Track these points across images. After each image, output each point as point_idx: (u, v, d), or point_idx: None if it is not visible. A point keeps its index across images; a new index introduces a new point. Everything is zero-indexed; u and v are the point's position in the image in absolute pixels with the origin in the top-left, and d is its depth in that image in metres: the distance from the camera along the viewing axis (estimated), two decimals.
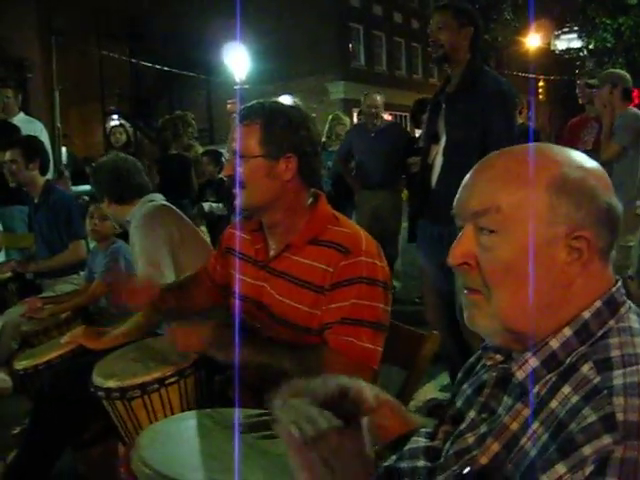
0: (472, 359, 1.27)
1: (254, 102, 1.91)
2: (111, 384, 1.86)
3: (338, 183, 7.00)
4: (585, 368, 0.92)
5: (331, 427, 0.97)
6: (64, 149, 17.48)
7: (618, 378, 0.87)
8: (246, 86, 20.75)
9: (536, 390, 0.97)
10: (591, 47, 15.97)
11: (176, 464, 1.23)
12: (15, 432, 3.25)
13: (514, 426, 0.97)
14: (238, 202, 1.88)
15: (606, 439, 0.80)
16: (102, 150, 13.33)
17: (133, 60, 26.27)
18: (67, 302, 3.57)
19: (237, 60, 20.25)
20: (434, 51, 3.31)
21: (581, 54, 25.75)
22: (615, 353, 0.92)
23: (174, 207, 2.96)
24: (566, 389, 0.92)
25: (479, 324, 1.02)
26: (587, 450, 0.80)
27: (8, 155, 4.10)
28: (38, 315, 3.50)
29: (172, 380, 1.87)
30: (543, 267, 0.97)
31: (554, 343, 0.98)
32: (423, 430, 1.22)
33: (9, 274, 4.29)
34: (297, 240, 1.87)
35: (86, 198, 4.47)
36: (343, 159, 6.59)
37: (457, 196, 1.06)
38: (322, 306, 1.80)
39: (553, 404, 0.92)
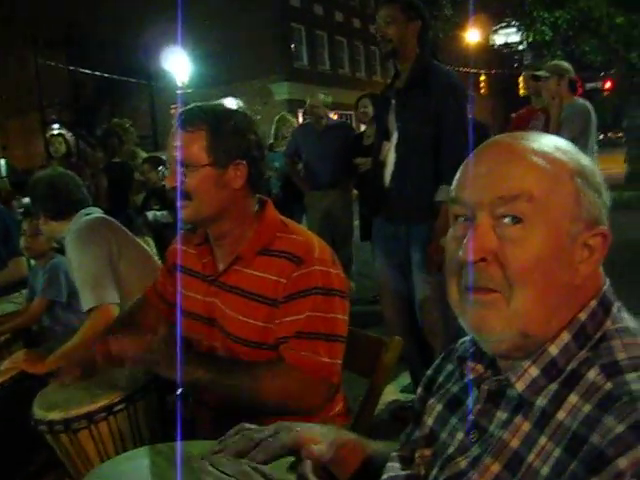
0: (430, 372, 1.19)
1: (193, 105, 1.79)
2: (54, 416, 1.71)
3: (286, 185, 6.93)
4: (591, 374, 0.86)
5: None
6: (3, 161, 16.92)
7: (635, 383, 0.81)
8: (189, 90, 20.50)
9: (538, 402, 0.89)
10: (530, 40, 16.21)
11: None
12: None
13: (514, 443, 0.89)
14: (182, 215, 1.75)
15: None
16: (43, 161, 12.94)
17: (71, 68, 25.65)
18: (7, 323, 3.37)
19: (178, 64, 19.99)
20: (383, 46, 3.25)
21: (520, 47, 26.26)
22: (621, 356, 0.86)
23: (110, 219, 2.81)
24: (573, 398, 0.85)
25: (492, 327, 0.92)
26: (622, 463, 0.74)
27: None
28: None
29: (120, 407, 1.73)
30: (564, 265, 0.90)
31: (553, 349, 0.90)
32: (395, 454, 1.12)
33: None
34: (246, 251, 1.76)
35: (20, 211, 4.27)
36: (290, 160, 6.50)
37: (465, 183, 0.96)
38: (276, 319, 1.70)
39: (560, 415, 0.85)
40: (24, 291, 3.81)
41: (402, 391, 3.96)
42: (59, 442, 1.72)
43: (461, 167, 0.98)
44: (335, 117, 21.91)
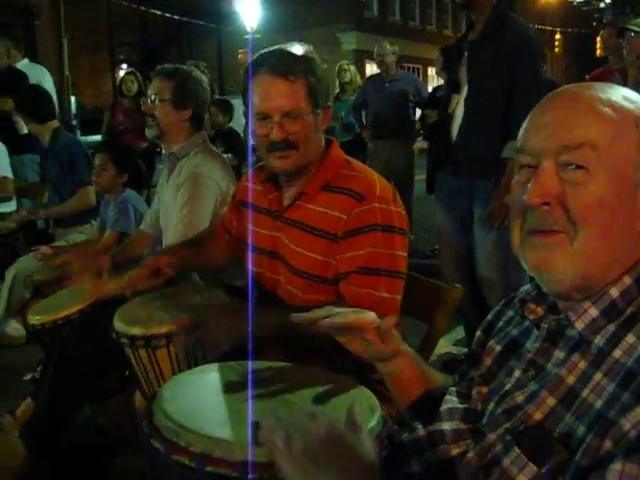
0: (490, 317, 1.23)
1: (278, 50, 1.80)
2: (135, 331, 1.81)
3: (350, 134, 6.99)
4: None
5: (318, 427, 0.96)
6: (73, 98, 17.28)
7: None
8: (257, 35, 20.41)
9: (596, 341, 0.92)
10: None
11: (200, 418, 1.19)
12: (26, 379, 3.26)
13: (570, 379, 0.93)
14: (285, 164, 1.79)
15: None
16: (111, 99, 13.17)
17: (142, 8, 25.79)
18: (80, 252, 3.52)
19: (248, 8, 19.86)
20: None
21: (601, 5, 25.15)
22: None
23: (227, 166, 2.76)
24: (630, 338, 0.89)
25: (554, 267, 0.95)
26: None
27: (11, 103, 4.07)
28: (50, 262, 3.46)
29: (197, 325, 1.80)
30: (627, 209, 0.93)
31: (614, 292, 0.94)
32: (453, 389, 1.18)
33: (14, 225, 4.26)
34: (310, 187, 1.82)
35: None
36: (357, 109, 6.59)
37: (531, 132, 0.99)
38: (337, 255, 1.75)
39: (617, 353, 0.89)
40: (94, 222, 3.96)
41: (455, 344, 4.00)
42: (137, 356, 1.81)
43: (528, 116, 1.01)
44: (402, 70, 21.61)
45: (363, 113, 6.67)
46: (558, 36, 32.39)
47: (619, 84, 3.63)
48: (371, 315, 1.23)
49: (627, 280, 0.94)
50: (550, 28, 31.17)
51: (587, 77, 5.80)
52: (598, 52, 5.36)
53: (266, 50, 1.83)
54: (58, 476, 2.33)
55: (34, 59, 11.60)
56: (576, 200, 0.92)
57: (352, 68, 7.53)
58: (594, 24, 29.11)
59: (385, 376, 1.29)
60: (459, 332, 3.95)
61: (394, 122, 6.15)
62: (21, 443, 2.28)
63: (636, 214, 0.93)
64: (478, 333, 1.24)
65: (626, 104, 0.95)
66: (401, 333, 1.93)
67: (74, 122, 16.12)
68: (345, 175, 1.80)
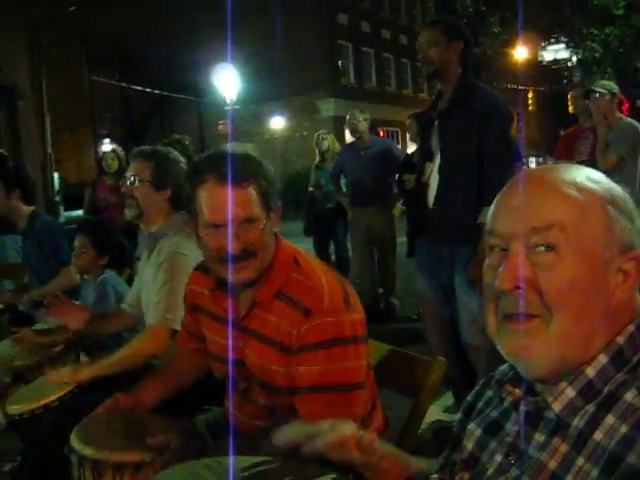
0: (469, 398, 1.22)
1: (214, 157, 1.73)
2: (87, 452, 1.74)
3: (331, 202, 7.10)
4: (629, 396, 0.88)
5: None
6: (56, 175, 17.40)
7: None
8: (237, 107, 20.76)
9: (575, 423, 0.91)
10: (579, 57, 16.10)
11: None
12: (6, 470, 3.16)
13: (552, 464, 0.91)
14: (245, 275, 1.70)
15: None
16: (95, 174, 13.27)
17: (123, 84, 26.29)
18: (60, 334, 3.47)
19: (227, 81, 20.26)
20: (425, 68, 3.28)
21: (569, 64, 25.95)
22: None
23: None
24: (610, 419, 0.88)
25: (531, 354, 0.95)
26: None
27: None
28: (30, 346, 3.41)
29: (148, 464, 1.71)
30: (599, 289, 0.93)
31: (590, 371, 0.93)
32: (435, 477, 1.15)
33: (0, 306, 4.21)
34: (264, 295, 1.74)
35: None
36: (335, 177, 6.70)
37: (499, 215, 1.01)
38: (293, 367, 1.68)
39: (597, 436, 0.88)
40: (75, 302, 3.92)
41: (445, 411, 3.94)
42: (84, 476, 1.75)
43: (495, 200, 1.02)
44: (382, 134, 21.97)
45: (343, 181, 6.76)
46: (531, 94, 33.21)
47: (591, 142, 3.70)
48: (351, 429, 1.21)
49: (603, 359, 0.93)
50: (523, 87, 31.99)
51: (562, 133, 5.94)
52: (570, 109, 5.49)
53: (210, 156, 1.75)
54: None
55: (17, 138, 11.72)
56: (548, 283, 0.93)
57: (329, 137, 7.65)
58: (565, 81, 29.99)
59: (365, 472, 1.25)
60: (449, 398, 3.91)
61: (372, 189, 6.23)
62: None
63: (608, 292, 0.94)
64: (459, 415, 1.22)
65: (590, 185, 0.97)
66: (383, 407, 1.92)
67: (57, 198, 16.20)
68: (295, 281, 1.72)
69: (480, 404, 1.16)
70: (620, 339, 0.94)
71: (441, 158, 3.23)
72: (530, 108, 31.98)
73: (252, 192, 1.68)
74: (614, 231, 0.94)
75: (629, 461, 0.81)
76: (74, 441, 1.79)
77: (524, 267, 0.94)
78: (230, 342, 1.82)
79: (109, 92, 26.45)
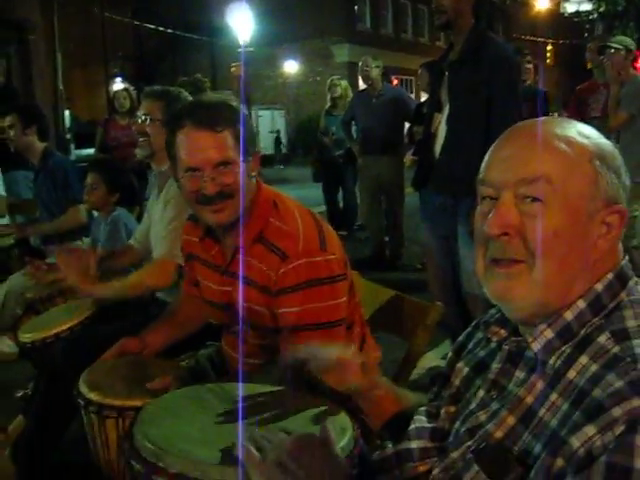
0: (461, 338, 1.29)
1: (191, 104, 1.86)
2: (92, 397, 1.83)
3: (341, 149, 7.11)
4: (602, 339, 0.94)
5: (290, 440, 1.03)
6: (67, 112, 17.33)
7: (639, 347, 0.90)
8: (250, 49, 20.48)
9: (552, 361, 0.99)
10: (602, 10, 15.73)
11: (178, 440, 1.24)
12: (18, 396, 3.28)
13: (529, 399, 0.98)
14: (223, 217, 1.78)
15: (635, 401, 0.83)
16: (106, 113, 13.22)
17: (136, 22, 25.93)
18: None
19: (241, 22, 19.93)
20: (437, 17, 3.25)
21: (591, 17, 25.37)
22: (630, 324, 0.95)
23: None
24: (584, 359, 0.94)
25: (514, 295, 1.01)
26: (617, 412, 0.83)
27: (6, 121, 4.12)
28: (42, 279, 3.50)
29: None
30: (582, 239, 0.99)
31: (568, 315, 0.99)
32: (422, 409, 1.23)
33: (12, 240, 4.31)
34: (245, 240, 1.81)
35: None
36: (346, 124, 6.68)
37: (492, 165, 1.05)
38: (275, 309, 1.77)
39: (571, 374, 0.94)
40: (85, 239, 4.01)
41: (443, 358, 4.00)
42: (88, 419, 1.84)
43: (489, 150, 1.07)
44: (395, 82, 21.67)
45: (353, 128, 6.75)
46: (549, 47, 32.60)
47: (604, 97, 3.68)
48: (352, 351, 1.29)
49: (581, 304, 0.99)
50: (542, 39, 31.36)
51: (577, 89, 5.89)
52: (588, 64, 5.43)
53: (189, 103, 1.84)
54: None
55: (29, 74, 11.64)
56: (533, 232, 0.98)
57: (343, 83, 7.60)
58: (586, 35, 29.35)
59: (360, 402, 1.34)
60: (447, 346, 3.99)
61: (382, 137, 6.23)
62: (11, 461, 2.32)
63: (591, 243, 0.99)
64: (450, 354, 1.30)
65: (580, 139, 1.01)
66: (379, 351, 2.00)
67: (68, 136, 16.18)
68: (272, 226, 1.79)
69: (470, 345, 1.24)
70: (599, 286, 1.00)
71: (449, 109, 3.24)
72: (548, 61, 31.43)
73: (227, 136, 1.74)
74: (600, 185, 0.99)
75: (594, 395, 0.87)
76: (81, 386, 1.88)
77: (511, 215, 1.00)
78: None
79: (122, 30, 26.11)
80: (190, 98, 2.82)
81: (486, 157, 1.07)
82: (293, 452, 1.00)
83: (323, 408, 1.40)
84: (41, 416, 2.43)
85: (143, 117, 2.72)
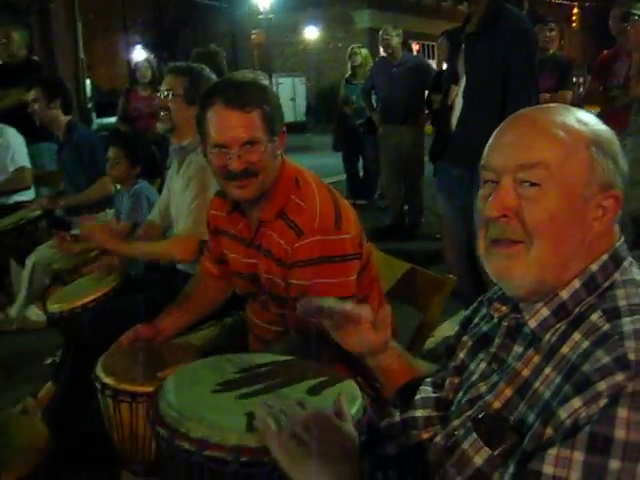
0: (468, 313, 1.35)
1: (231, 82, 1.91)
2: (108, 381, 1.92)
3: (363, 116, 7.10)
4: (594, 317, 1.00)
5: (305, 413, 1.12)
6: (88, 81, 17.36)
7: (627, 325, 0.95)
8: (270, 16, 20.34)
9: (547, 337, 1.05)
10: None
11: (199, 407, 1.32)
12: (47, 363, 3.41)
13: (525, 372, 1.05)
14: (246, 193, 1.86)
15: (619, 376, 0.88)
16: (126, 82, 13.24)
17: None
18: None
19: None
20: None
21: None
22: (622, 303, 1.00)
23: None
24: (576, 336, 1.00)
25: (515, 274, 1.06)
26: (602, 386, 0.89)
27: (30, 94, 4.19)
28: (68, 250, 3.60)
29: None
30: (578, 222, 1.04)
31: (564, 294, 1.05)
32: (428, 380, 1.30)
33: (39, 212, 4.41)
34: (268, 215, 1.90)
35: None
36: (366, 93, 6.69)
37: (493, 151, 1.10)
38: (288, 280, 1.85)
39: (564, 350, 1.00)
40: (109, 210, 4.09)
41: None
42: (104, 402, 1.94)
43: (492, 136, 1.12)
44: (417, 47, 21.36)
45: (373, 97, 6.74)
46: (576, 10, 31.96)
47: (627, 67, 3.62)
48: (368, 310, 1.36)
49: (576, 283, 1.05)
50: (568, 2, 30.75)
51: (600, 55, 5.80)
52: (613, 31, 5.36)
53: (220, 81, 1.92)
54: (79, 458, 2.46)
55: (49, 43, 11.67)
56: (531, 214, 1.04)
57: (363, 51, 7.56)
58: None
59: (374, 369, 1.41)
60: (462, 316, 4.05)
61: (402, 106, 6.22)
62: (44, 425, 2.42)
63: (586, 225, 1.05)
64: (457, 327, 1.36)
65: (578, 126, 1.06)
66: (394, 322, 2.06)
67: (90, 105, 16.22)
68: (292, 202, 1.87)
69: (476, 319, 1.30)
70: (594, 267, 1.05)
71: (466, 81, 3.25)
72: (574, 25, 30.82)
73: (255, 116, 1.81)
74: (596, 171, 1.04)
75: (583, 369, 0.93)
76: (98, 370, 1.97)
77: (510, 198, 1.05)
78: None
79: None
80: (213, 75, 2.87)
81: (489, 142, 1.12)
82: (307, 425, 1.09)
83: (333, 376, 1.48)
84: (69, 384, 2.53)
85: (165, 92, 2.78)
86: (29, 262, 3.91)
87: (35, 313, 4.14)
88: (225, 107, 1.81)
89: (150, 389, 1.75)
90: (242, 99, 1.80)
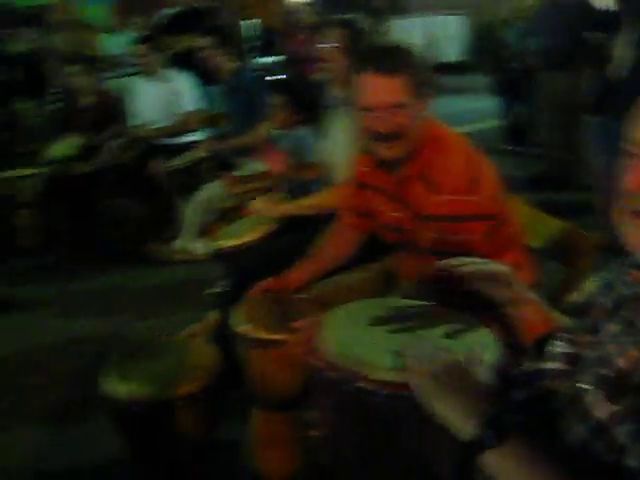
0: (608, 274, 1.37)
1: (374, 49, 2.07)
2: (239, 329, 2.09)
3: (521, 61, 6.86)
4: None
5: (449, 362, 1.23)
6: (249, 22, 17.69)
7: None
8: None
9: None
10: None
11: (355, 344, 1.48)
12: (210, 292, 3.67)
13: None
14: (390, 153, 1.99)
15: None
16: (281, 21, 13.36)
17: None
18: (261, 181, 3.88)
19: None
20: None
21: None
22: None
23: None
24: None
25: None
26: None
27: (202, 41, 4.49)
28: (235, 190, 3.87)
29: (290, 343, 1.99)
30: None
31: None
32: (562, 334, 1.37)
33: (204, 153, 4.75)
34: (410, 172, 2.02)
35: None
36: (527, 36, 6.44)
37: (635, 125, 1.10)
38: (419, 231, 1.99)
39: None
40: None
41: None
42: (240, 348, 2.14)
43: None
44: None
45: (533, 41, 6.46)
46: None
47: None
48: (505, 267, 1.46)
49: None
50: None
51: None
52: None
53: (371, 47, 2.09)
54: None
55: None
56: None
57: None
58: None
59: (512, 319, 1.50)
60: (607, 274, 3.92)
61: (563, 52, 5.92)
62: (212, 346, 2.68)
63: None
64: (597, 286, 1.41)
65: None
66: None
67: (249, 45, 16.57)
68: (433, 162, 1.97)
69: (615, 281, 1.33)
70: None
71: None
72: None
73: (402, 81, 1.91)
74: None
75: None
76: (233, 318, 2.16)
77: None
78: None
79: None
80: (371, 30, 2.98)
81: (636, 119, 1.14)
82: (448, 370, 1.21)
83: (470, 323, 1.59)
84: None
85: (327, 44, 2.89)
86: (197, 199, 4.25)
87: (201, 246, 4.50)
88: (374, 73, 1.92)
89: (280, 338, 1.95)
90: (391, 65, 1.91)
